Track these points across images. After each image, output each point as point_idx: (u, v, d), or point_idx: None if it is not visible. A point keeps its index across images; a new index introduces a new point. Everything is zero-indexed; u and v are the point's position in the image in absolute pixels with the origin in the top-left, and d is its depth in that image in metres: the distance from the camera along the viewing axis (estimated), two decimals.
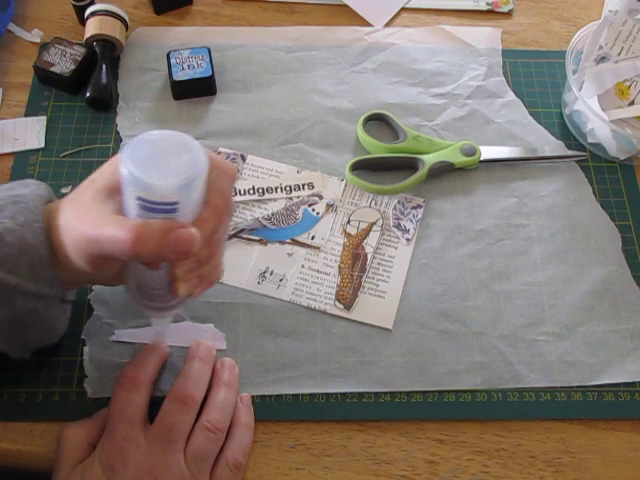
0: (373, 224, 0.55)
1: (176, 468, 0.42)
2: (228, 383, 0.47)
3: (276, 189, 0.56)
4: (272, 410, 0.48)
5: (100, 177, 0.40)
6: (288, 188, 0.57)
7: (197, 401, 0.45)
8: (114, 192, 0.38)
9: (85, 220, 0.38)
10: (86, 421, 0.45)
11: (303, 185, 0.57)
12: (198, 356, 0.47)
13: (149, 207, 0.36)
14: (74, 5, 0.63)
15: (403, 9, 0.68)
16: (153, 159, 0.36)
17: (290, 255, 0.54)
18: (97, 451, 0.43)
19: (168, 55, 0.61)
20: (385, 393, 0.49)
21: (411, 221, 0.55)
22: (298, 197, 0.56)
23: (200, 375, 0.46)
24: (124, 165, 0.35)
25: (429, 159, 0.57)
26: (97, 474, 0.41)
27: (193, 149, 0.37)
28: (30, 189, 0.43)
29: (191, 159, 0.36)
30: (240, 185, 0.56)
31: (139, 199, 0.36)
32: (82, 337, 0.49)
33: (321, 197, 0.56)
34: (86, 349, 0.49)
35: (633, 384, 0.50)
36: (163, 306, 0.43)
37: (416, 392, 0.49)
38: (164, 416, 0.43)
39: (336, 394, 0.49)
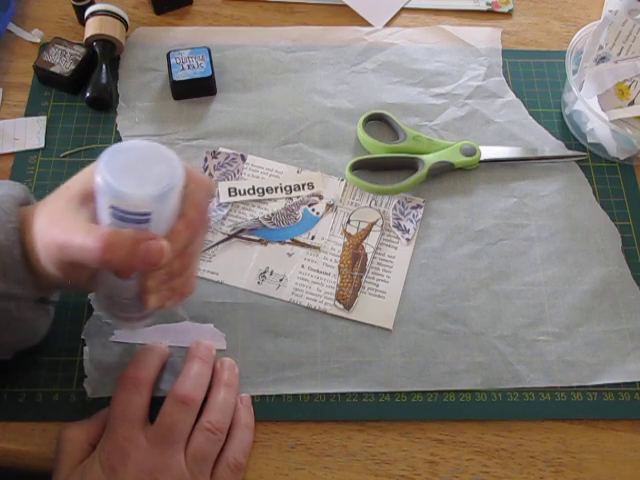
0: (373, 224, 0.55)
1: (176, 469, 0.42)
2: (228, 383, 0.47)
3: (276, 189, 0.56)
4: (272, 410, 0.48)
5: (75, 184, 0.40)
6: (288, 188, 0.57)
7: (197, 402, 0.45)
8: (88, 199, 0.38)
9: (57, 226, 0.38)
10: (86, 421, 0.45)
11: (303, 185, 0.57)
12: (198, 356, 0.47)
13: (122, 216, 0.36)
14: (74, 5, 0.63)
15: (403, 9, 0.68)
16: (128, 168, 0.35)
17: (290, 255, 0.54)
18: (97, 451, 0.43)
19: (168, 55, 0.61)
20: (385, 393, 0.49)
21: (411, 221, 0.55)
22: (298, 197, 0.56)
23: (200, 375, 0.46)
24: (99, 173, 0.35)
25: (429, 159, 0.57)
26: (97, 474, 0.41)
27: (170, 160, 0.36)
28: (3, 189, 0.43)
29: (167, 170, 0.36)
30: (240, 185, 0.56)
31: (112, 208, 0.35)
32: (82, 337, 0.49)
33: (321, 197, 0.56)
34: (86, 349, 0.49)
35: (633, 384, 0.50)
36: (133, 316, 0.43)
37: (416, 392, 0.49)
38: (164, 416, 0.43)
39: (336, 394, 0.49)
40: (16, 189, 0.44)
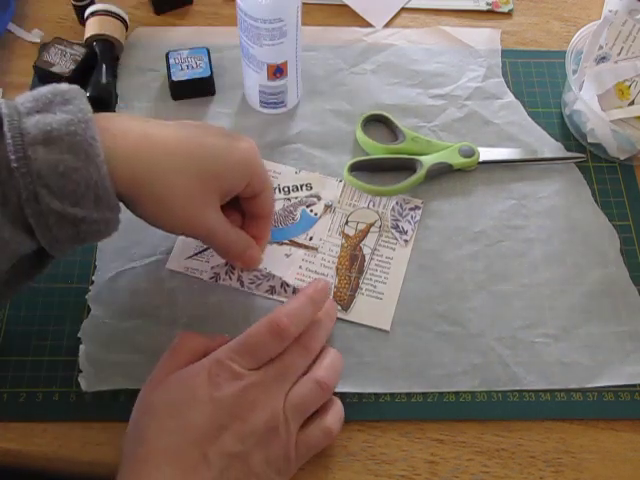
0: (371, 225, 0.55)
1: (275, 406, 0.42)
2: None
3: (274, 190, 0.56)
4: None
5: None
6: (286, 189, 0.57)
7: (316, 352, 0.45)
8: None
9: (195, 212, 0.45)
10: (207, 336, 0.46)
11: (301, 186, 0.57)
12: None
13: None
14: (74, 5, 0.63)
15: (403, 9, 0.68)
16: None
17: (288, 256, 0.54)
18: (209, 363, 0.42)
19: (167, 55, 0.60)
20: (385, 393, 0.49)
21: (409, 222, 0.55)
22: (296, 198, 0.56)
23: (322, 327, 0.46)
24: None
25: (427, 160, 0.57)
26: (202, 383, 0.41)
27: None
28: (75, 108, 0.39)
29: None
30: None
31: None
32: (79, 336, 0.49)
33: (319, 198, 0.56)
34: (82, 347, 0.49)
35: (633, 384, 0.50)
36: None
37: (416, 392, 0.49)
38: (284, 359, 0.43)
39: (336, 394, 0.49)
40: (85, 103, 0.40)
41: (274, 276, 0.52)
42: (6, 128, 0.37)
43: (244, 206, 0.50)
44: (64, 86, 0.40)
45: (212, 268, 0.52)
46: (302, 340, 0.44)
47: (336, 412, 0.45)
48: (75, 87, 0.41)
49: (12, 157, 0.36)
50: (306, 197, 0.56)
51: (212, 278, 0.52)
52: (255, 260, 0.50)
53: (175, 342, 0.45)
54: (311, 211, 0.56)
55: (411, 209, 0.56)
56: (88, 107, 0.39)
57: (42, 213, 0.37)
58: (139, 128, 0.42)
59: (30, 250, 0.40)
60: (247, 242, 0.49)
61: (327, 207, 0.56)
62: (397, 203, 0.56)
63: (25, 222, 0.38)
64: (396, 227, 0.55)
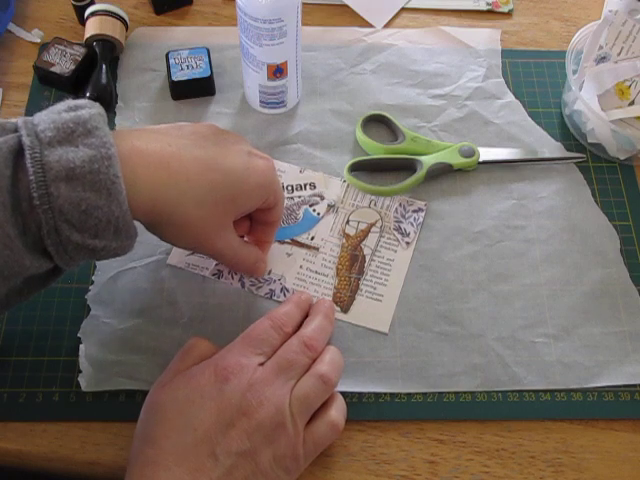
0: (372, 225, 0.55)
1: (281, 401, 0.42)
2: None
3: None
4: None
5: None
6: (290, 187, 0.57)
7: (319, 352, 0.45)
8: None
9: (210, 234, 0.46)
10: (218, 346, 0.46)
11: (305, 185, 0.57)
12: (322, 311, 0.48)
13: None
14: (74, 5, 0.64)
15: (403, 9, 0.68)
16: None
17: (289, 255, 0.54)
18: (214, 360, 0.43)
19: (167, 55, 0.61)
20: (385, 393, 0.49)
21: (412, 224, 0.55)
22: (299, 197, 0.56)
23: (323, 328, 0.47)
24: None
25: (427, 160, 0.57)
26: (208, 379, 0.42)
27: None
28: (97, 142, 0.38)
29: None
30: None
31: None
32: (78, 335, 0.49)
33: (322, 197, 0.56)
34: (82, 347, 0.49)
35: (633, 384, 0.50)
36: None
37: (416, 392, 0.49)
38: (288, 352, 0.44)
39: None
40: (107, 134, 0.39)
41: (275, 280, 0.52)
42: (28, 162, 0.36)
43: (254, 215, 0.50)
44: (85, 113, 0.39)
45: (216, 265, 0.52)
46: (304, 339, 0.45)
47: (339, 406, 0.45)
48: (95, 112, 0.39)
49: (35, 194, 0.36)
50: (309, 196, 0.56)
51: (215, 275, 0.52)
52: (262, 271, 0.52)
53: (185, 346, 0.46)
54: (314, 210, 0.55)
55: (414, 211, 0.56)
56: (110, 138, 0.39)
57: (62, 243, 0.38)
58: (159, 153, 0.42)
59: (46, 269, 0.40)
60: (256, 256, 0.50)
61: (330, 207, 0.56)
62: (400, 204, 0.56)
63: (44, 249, 0.38)
64: (398, 229, 0.55)
